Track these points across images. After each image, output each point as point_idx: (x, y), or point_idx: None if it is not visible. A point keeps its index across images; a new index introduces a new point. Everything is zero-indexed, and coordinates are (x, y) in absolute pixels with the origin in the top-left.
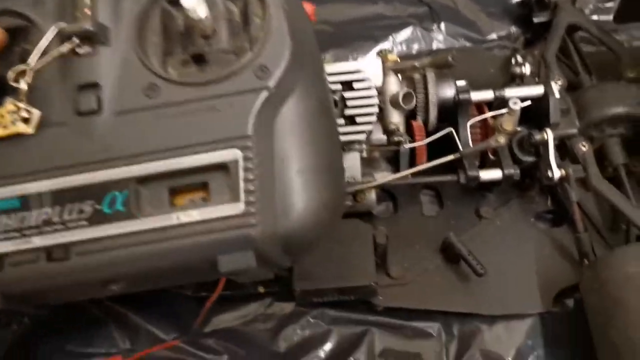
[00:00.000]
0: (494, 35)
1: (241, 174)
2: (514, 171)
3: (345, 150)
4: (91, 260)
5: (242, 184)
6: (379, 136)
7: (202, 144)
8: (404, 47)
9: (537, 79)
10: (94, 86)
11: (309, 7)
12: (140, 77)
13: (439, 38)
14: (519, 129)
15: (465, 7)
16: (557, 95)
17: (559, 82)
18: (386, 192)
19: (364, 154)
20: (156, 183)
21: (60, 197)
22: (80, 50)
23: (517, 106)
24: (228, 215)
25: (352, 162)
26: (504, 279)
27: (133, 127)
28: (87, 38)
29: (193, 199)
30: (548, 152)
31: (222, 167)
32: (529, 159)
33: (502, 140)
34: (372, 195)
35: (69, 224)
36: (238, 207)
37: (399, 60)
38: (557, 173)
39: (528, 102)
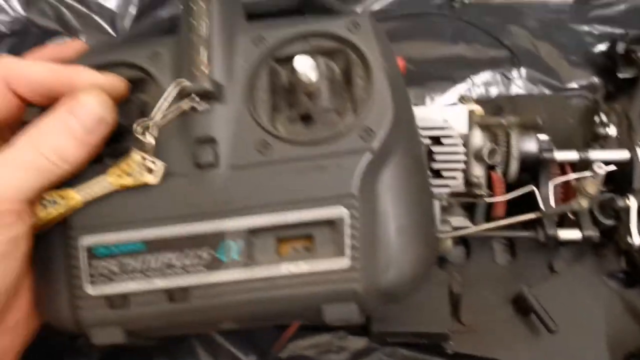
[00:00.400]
0: (574, 84)
1: (347, 230)
2: (593, 233)
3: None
4: (208, 302)
5: (347, 241)
6: (459, 184)
7: (310, 200)
8: (482, 90)
9: (618, 136)
10: (211, 141)
11: (401, 63)
12: (253, 134)
13: (518, 83)
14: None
15: (547, 53)
16: None
17: None
18: (460, 237)
19: (444, 203)
20: (266, 234)
21: (181, 243)
22: (197, 107)
23: (602, 171)
24: (334, 269)
25: None
26: (573, 335)
27: (247, 181)
28: (205, 95)
29: (296, 247)
30: (629, 219)
31: (328, 223)
32: (609, 222)
33: (585, 204)
34: (449, 243)
35: (189, 269)
36: (343, 262)
37: (483, 112)
38: (637, 240)
39: (613, 167)
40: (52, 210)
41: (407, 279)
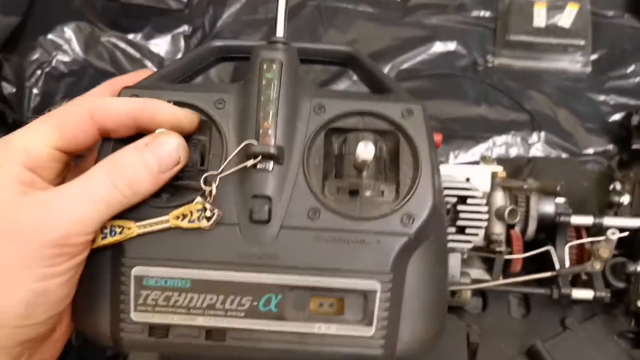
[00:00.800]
0: (590, 150)
1: (377, 303)
2: (604, 294)
3: (449, 251)
4: (241, 345)
5: (376, 312)
6: (480, 239)
7: (348, 270)
8: (503, 150)
9: (631, 204)
10: (266, 198)
11: (437, 137)
12: (305, 199)
13: (537, 146)
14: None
15: (565, 119)
16: None
17: None
18: (478, 290)
19: (465, 256)
20: (304, 292)
21: (225, 288)
22: (259, 165)
23: (615, 236)
24: (360, 335)
25: (453, 263)
26: None
27: (294, 242)
28: (267, 157)
29: (328, 308)
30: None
31: (361, 292)
32: (620, 284)
33: (598, 266)
34: (468, 294)
35: (229, 313)
36: (370, 331)
37: (505, 175)
38: None
39: (626, 233)
40: (111, 238)
41: (420, 350)
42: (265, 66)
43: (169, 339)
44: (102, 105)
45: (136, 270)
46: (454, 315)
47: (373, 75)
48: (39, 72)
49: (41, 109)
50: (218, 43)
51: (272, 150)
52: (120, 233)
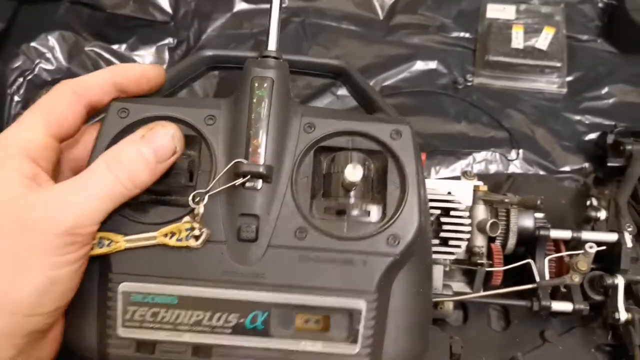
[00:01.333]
0: (567, 168)
1: (362, 322)
2: (583, 307)
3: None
4: None
5: (361, 330)
6: (462, 252)
7: (334, 289)
8: (482, 166)
9: (607, 220)
10: (254, 217)
11: (422, 156)
12: (293, 219)
13: (516, 163)
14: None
15: (542, 138)
16: (630, 245)
17: (630, 229)
18: (459, 302)
19: (447, 268)
20: (289, 310)
21: (212, 305)
22: (247, 184)
23: (593, 250)
24: (344, 353)
25: (436, 275)
26: None
27: (281, 261)
28: (256, 175)
29: (313, 325)
30: (617, 296)
31: (346, 311)
32: (598, 297)
33: (576, 279)
34: (450, 306)
35: (216, 329)
36: (354, 349)
37: (486, 189)
38: (623, 316)
39: (603, 248)
40: (99, 250)
41: None
42: (256, 84)
43: (155, 355)
44: (82, 80)
45: (123, 286)
46: (436, 327)
47: (362, 91)
48: (21, 79)
49: None
50: (209, 52)
51: (262, 170)
52: (108, 245)
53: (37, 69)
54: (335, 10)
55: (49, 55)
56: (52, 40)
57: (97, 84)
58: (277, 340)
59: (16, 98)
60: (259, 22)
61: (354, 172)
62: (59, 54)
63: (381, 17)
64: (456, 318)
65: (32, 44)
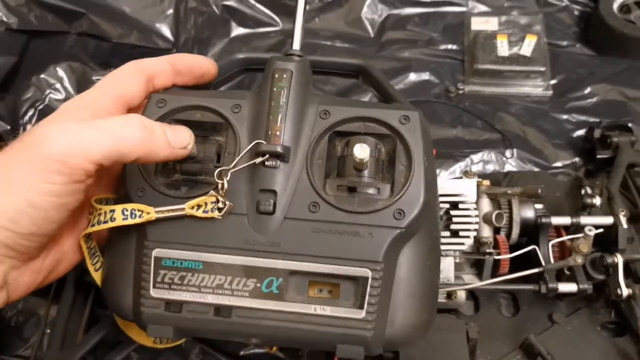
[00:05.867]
0: (559, 163)
1: (368, 289)
2: (587, 286)
3: (443, 255)
4: (246, 322)
5: (367, 297)
6: (471, 244)
7: (343, 258)
8: (480, 167)
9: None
10: (272, 192)
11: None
12: (307, 194)
13: (511, 162)
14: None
15: (533, 137)
16: (625, 226)
17: (622, 213)
18: (470, 292)
19: (457, 260)
20: (302, 277)
21: (233, 271)
22: (267, 162)
23: (592, 233)
24: (352, 317)
25: (447, 266)
26: None
27: (295, 232)
28: (275, 155)
29: (324, 291)
30: (617, 273)
31: (354, 279)
32: (600, 277)
33: (579, 260)
34: (463, 296)
35: (235, 292)
36: (360, 314)
37: (489, 183)
38: (625, 291)
39: (601, 230)
40: (132, 220)
41: (407, 337)
42: (277, 75)
43: (182, 314)
44: (144, 59)
45: (156, 252)
46: (452, 316)
47: (382, 87)
48: (32, 110)
49: None
50: (241, 55)
51: (279, 149)
52: (140, 216)
53: (47, 100)
54: (327, 30)
55: (58, 85)
56: (60, 71)
57: (156, 62)
58: (290, 304)
59: (29, 127)
60: (256, 45)
61: (361, 151)
62: (67, 84)
63: (372, 35)
64: (468, 308)
65: (42, 75)
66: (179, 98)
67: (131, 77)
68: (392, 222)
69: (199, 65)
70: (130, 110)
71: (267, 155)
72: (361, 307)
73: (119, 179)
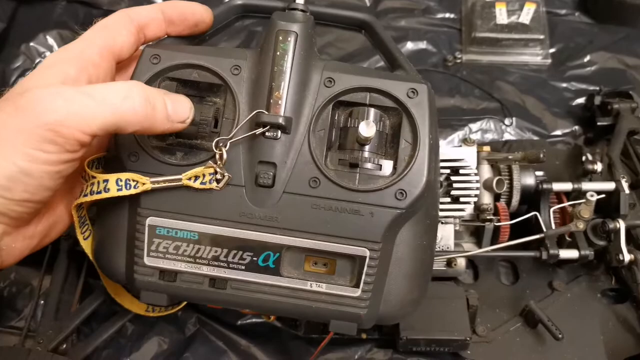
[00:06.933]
0: (558, 132)
1: (365, 268)
2: (589, 252)
3: (442, 222)
4: (241, 294)
5: (364, 276)
6: (471, 210)
7: (341, 236)
8: (479, 136)
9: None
10: (272, 164)
11: None
12: (308, 169)
13: (509, 130)
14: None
15: (532, 106)
16: (627, 191)
17: (624, 179)
18: (469, 261)
19: (457, 227)
20: (299, 252)
21: (229, 243)
22: (267, 133)
23: (594, 198)
24: (347, 295)
25: (447, 233)
26: (575, 345)
27: (294, 207)
28: (275, 126)
29: (320, 268)
30: (619, 239)
31: (351, 257)
32: (602, 243)
33: (581, 226)
34: (463, 263)
35: (231, 265)
36: (356, 292)
37: (489, 149)
38: (627, 257)
39: (602, 195)
40: (126, 191)
41: (399, 314)
42: (281, 37)
43: (176, 284)
44: (134, 8)
45: (150, 220)
46: (452, 283)
47: (385, 46)
48: (21, 79)
49: None
50: (239, 1)
51: (281, 121)
52: (135, 187)
53: None
54: None
55: (47, 53)
56: (50, 39)
57: (147, 10)
58: (287, 279)
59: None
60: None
61: (367, 129)
62: None
63: (368, 4)
64: (467, 276)
65: (31, 43)
66: (175, 54)
67: (120, 27)
68: (393, 203)
69: (193, 13)
70: (120, 62)
71: (268, 127)
72: (357, 285)
73: (111, 138)
